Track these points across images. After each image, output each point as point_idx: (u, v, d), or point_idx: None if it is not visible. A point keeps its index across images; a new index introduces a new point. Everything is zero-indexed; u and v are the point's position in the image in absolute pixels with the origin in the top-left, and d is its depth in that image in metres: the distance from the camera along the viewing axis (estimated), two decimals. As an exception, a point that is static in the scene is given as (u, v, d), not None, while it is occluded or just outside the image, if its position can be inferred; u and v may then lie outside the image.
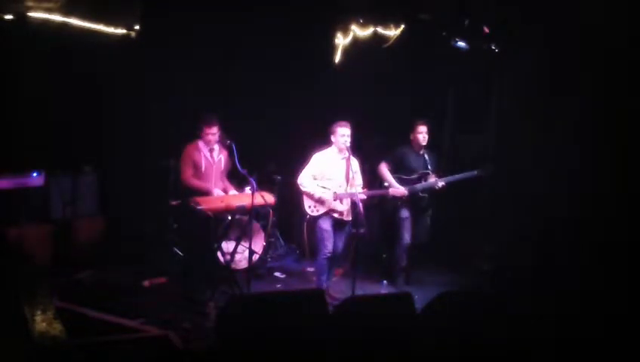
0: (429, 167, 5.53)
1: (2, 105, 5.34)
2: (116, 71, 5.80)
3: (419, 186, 5.46)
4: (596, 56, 5.04)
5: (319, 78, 6.67)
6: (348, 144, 5.00)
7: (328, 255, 5.09)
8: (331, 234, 5.10)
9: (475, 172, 5.49)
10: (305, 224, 5.92)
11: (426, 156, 5.57)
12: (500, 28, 5.99)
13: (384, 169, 5.55)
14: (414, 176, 5.50)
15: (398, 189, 5.37)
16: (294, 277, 5.97)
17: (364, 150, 5.63)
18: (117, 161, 6.07)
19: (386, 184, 5.52)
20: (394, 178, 5.50)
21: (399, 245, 5.59)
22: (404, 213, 5.53)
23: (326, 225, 5.09)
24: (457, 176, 5.50)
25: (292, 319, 3.00)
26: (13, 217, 5.26)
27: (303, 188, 5.12)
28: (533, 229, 5.56)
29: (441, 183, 5.42)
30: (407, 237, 5.55)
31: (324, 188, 5.09)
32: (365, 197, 5.09)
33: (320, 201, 5.07)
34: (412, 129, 5.55)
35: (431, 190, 5.47)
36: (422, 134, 5.48)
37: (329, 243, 5.08)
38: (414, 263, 5.74)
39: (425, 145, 5.55)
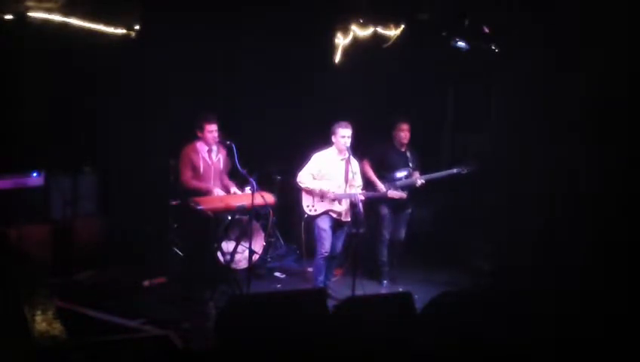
0: (410, 164, 5.63)
1: (2, 105, 5.33)
2: (116, 71, 5.79)
3: (399, 183, 5.54)
4: (596, 55, 5.04)
5: (319, 78, 6.67)
6: (348, 145, 5.00)
7: (325, 255, 5.08)
8: (330, 233, 5.08)
9: (455, 170, 5.58)
10: (302, 223, 5.92)
11: (408, 154, 5.67)
12: (500, 28, 5.99)
13: (367, 167, 5.61)
14: (394, 173, 5.58)
15: (395, 192, 5.39)
16: (294, 277, 5.97)
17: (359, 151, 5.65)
18: (117, 161, 6.05)
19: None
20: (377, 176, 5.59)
21: (379, 241, 5.72)
22: (384, 210, 5.63)
23: (324, 224, 5.07)
24: (437, 174, 5.60)
25: (292, 319, 3.00)
26: (13, 217, 5.24)
27: (301, 185, 5.12)
28: (532, 229, 5.55)
29: (420, 181, 5.51)
30: (386, 233, 5.67)
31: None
32: (363, 198, 5.09)
33: (321, 196, 5.06)
34: (394, 127, 5.65)
35: (410, 187, 5.54)
36: (403, 132, 5.59)
37: (327, 243, 5.06)
38: (395, 259, 5.85)
39: (407, 143, 5.65)
